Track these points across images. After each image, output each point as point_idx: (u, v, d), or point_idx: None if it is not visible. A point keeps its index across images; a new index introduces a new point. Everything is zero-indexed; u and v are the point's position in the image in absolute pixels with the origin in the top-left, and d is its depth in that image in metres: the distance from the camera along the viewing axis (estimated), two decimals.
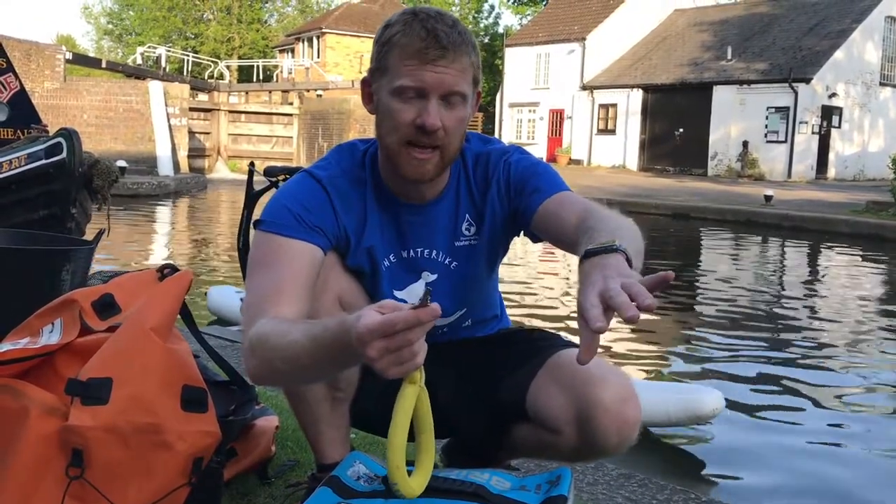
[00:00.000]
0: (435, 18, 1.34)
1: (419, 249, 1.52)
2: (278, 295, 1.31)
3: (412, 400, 1.09)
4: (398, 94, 1.34)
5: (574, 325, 1.50)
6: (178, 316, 1.67)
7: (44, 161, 4.35)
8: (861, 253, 11.44)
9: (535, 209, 1.44)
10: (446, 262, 1.52)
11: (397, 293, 1.53)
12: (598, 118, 30.59)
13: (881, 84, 27.44)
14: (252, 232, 1.50)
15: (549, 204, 1.43)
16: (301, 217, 1.39)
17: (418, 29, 1.32)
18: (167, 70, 31.52)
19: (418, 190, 1.46)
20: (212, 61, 35.30)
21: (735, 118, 26.28)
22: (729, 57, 27.54)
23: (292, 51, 41.30)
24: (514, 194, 1.49)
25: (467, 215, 1.51)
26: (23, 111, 5.39)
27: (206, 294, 5.87)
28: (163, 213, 15.84)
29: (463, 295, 1.57)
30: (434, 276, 1.53)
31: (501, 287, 1.74)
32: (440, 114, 1.34)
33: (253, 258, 1.40)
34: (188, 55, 34.93)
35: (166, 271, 1.69)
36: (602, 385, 1.40)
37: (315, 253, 1.39)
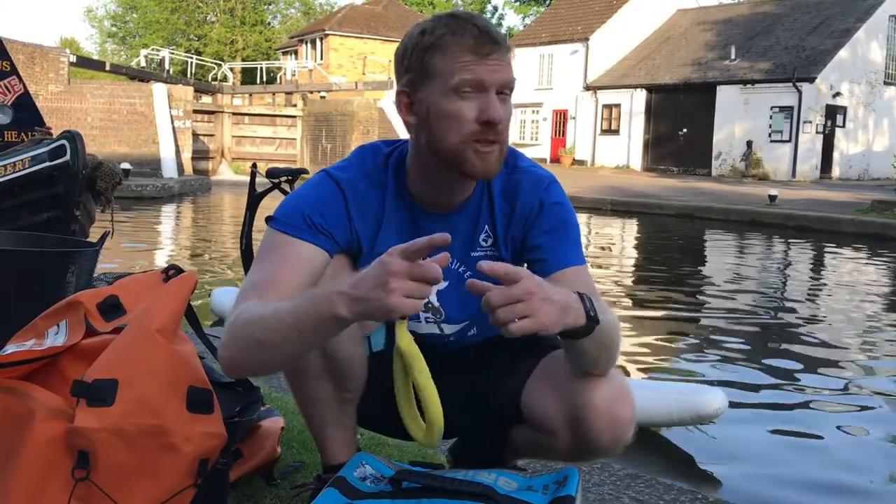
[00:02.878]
0: (477, 17, 1.37)
1: (434, 256, 1.51)
2: (267, 289, 1.33)
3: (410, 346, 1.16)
4: (457, 92, 1.33)
5: None
6: (184, 317, 1.67)
7: (48, 163, 4.35)
8: (866, 252, 11.41)
9: (545, 275, 1.43)
10: (460, 270, 1.51)
11: None
12: (602, 118, 30.57)
13: (885, 83, 27.39)
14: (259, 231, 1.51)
15: (556, 278, 1.44)
16: (310, 219, 1.40)
17: (469, 27, 1.34)
18: (171, 72, 31.55)
19: (443, 199, 1.46)
20: (215, 63, 35.35)
21: (739, 118, 26.25)
22: (732, 56, 27.50)
23: (295, 53, 41.34)
24: (532, 241, 1.48)
25: (486, 227, 1.50)
26: (27, 114, 5.39)
27: (209, 295, 5.87)
28: (167, 215, 15.86)
29: (474, 305, 1.56)
30: (446, 283, 1.53)
31: None
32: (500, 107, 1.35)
33: (258, 252, 1.43)
34: (191, 58, 34.98)
35: (171, 272, 1.69)
36: (593, 385, 1.39)
37: (316, 255, 1.39)
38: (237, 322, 1.27)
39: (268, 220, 1.44)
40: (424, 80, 1.36)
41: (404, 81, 1.40)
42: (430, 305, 1.55)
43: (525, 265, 1.54)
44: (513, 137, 32.32)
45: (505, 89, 1.35)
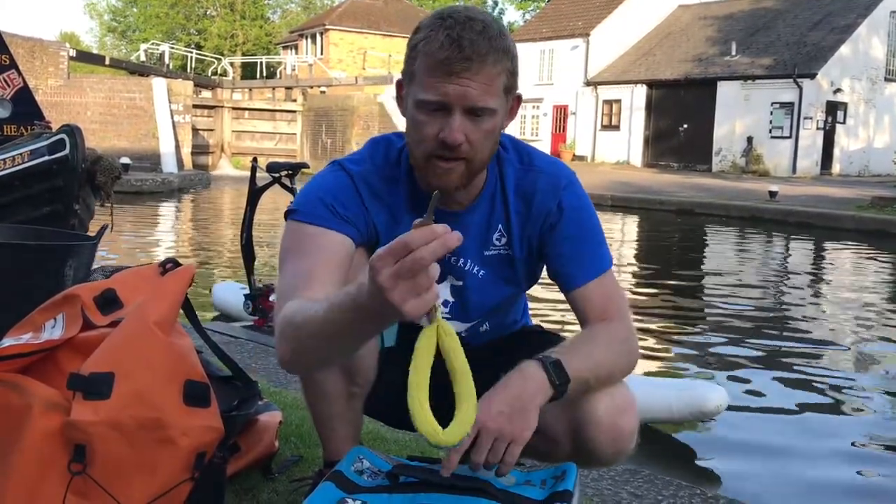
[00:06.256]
0: (462, 25, 1.27)
1: (447, 258, 1.49)
2: (310, 281, 1.29)
3: (432, 339, 1.05)
4: (421, 107, 1.30)
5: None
6: (182, 311, 1.66)
7: (47, 157, 4.33)
8: (866, 249, 11.40)
9: (568, 290, 1.46)
10: (474, 270, 1.50)
11: None
12: (603, 114, 30.52)
13: (886, 79, 27.32)
14: (254, 224, 1.49)
15: (579, 294, 1.45)
16: (334, 208, 1.38)
17: (442, 37, 1.26)
18: (171, 67, 31.53)
19: (451, 195, 1.44)
20: (215, 58, 35.33)
21: (740, 114, 26.20)
22: (733, 52, 27.45)
23: (296, 47, 41.27)
24: (554, 248, 1.46)
25: (500, 225, 1.48)
26: (26, 108, 5.38)
27: (210, 290, 5.86)
28: (167, 209, 15.85)
29: (488, 303, 1.55)
30: (460, 283, 1.52)
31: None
32: (465, 127, 1.29)
33: (285, 247, 1.38)
34: (191, 52, 34.94)
35: (168, 266, 1.68)
36: (596, 397, 1.38)
37: (347, 243, 1.38)
38: (286, 324, 1.21)
39: (287, 213, 1.40)
40: (407, 80, 1.35)
41: (402, 71, 1.38)
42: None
43: (543, 266, 1.53)
44: (513, 133, 32.31)
45: (476, 110, 1.29)
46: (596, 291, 1.44)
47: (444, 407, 1.64)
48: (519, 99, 1.41)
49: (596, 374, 1.34)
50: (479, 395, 1.54)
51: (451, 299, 1.53)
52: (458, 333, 1.55)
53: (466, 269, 1.50)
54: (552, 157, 1.53)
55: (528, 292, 1.67)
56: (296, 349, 1.19)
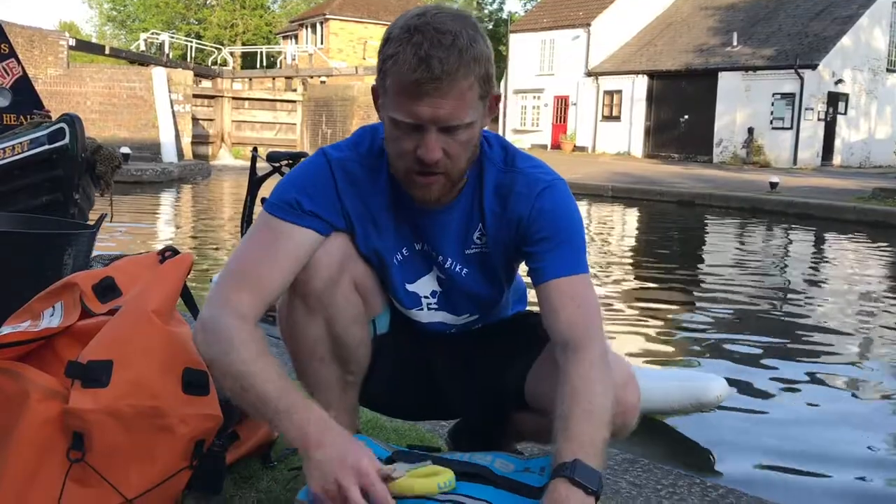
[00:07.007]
0: (431, 41, 1.23)
1: (430, 251, 1.49)
2: (252, 283, 1.34)
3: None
4: (395, 125, 1.29)
5: None
6: (181, 299, 1.66)
7: (46, 146, 4.33)
8: (867, 240, 11.39)
9: (537, 284, 1.41)
10: (456, 268, 1.49)
11: (409, 286, 1.52)
12: (603, 105, 30.47)
13: (888, 70, 27.27)
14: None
15: (547, 288, 1.38)
16: (298, 201, 1.39)
17: (410, 57, 1.23)
18: (170, 56, 31.48)
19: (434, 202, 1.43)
20: (215, 47, 35.25)
21: (741, 105, 26.16)
22: (735, 43, 27.38)
23: (296, 37, 41.19)
24: (531, 247, 1.42)
25: (480, 224, 1.46)
26: (26, 97, 5.37)
27: (210, 280, 5.86)
28: (167, 199, 15.84)
29: (473, 300, 1.54)
30: (444, 277, 1.51)
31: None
32: (442, 141, 1.28)
33: (253, 227, 1.43)
34: (191, 42, 34.85)
35: (167, 254, 1.68)
36: None
37: (305, 239, 1.39)
38: (229, 356, 1.29)
39: (262, 200, 1.44)
40: (382, 92, 1.33)
41: (376, 79, 1.35)
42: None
43: (517, 255, 1.50)
44: (514, 124, 32.31)
45: (447, 128, 1.27)
46: (566, 290, 1.37)
47: (440, 404, 1.66)
48: (497, 98, 1.37)
49: (606, 433, 1.29)
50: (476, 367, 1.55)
51: (438, 289, 1.52)
52: (450, 327, 1.56)
53: (447, 266, 1.49)
54: (539, 161, 1.48)
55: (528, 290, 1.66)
56: (217, 368, 1.32)
